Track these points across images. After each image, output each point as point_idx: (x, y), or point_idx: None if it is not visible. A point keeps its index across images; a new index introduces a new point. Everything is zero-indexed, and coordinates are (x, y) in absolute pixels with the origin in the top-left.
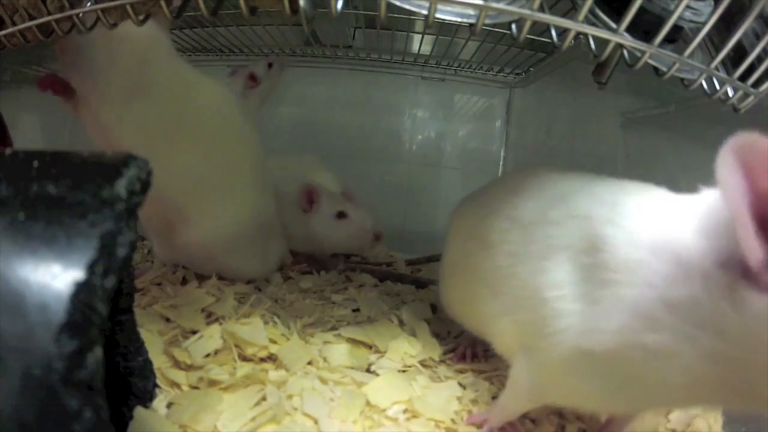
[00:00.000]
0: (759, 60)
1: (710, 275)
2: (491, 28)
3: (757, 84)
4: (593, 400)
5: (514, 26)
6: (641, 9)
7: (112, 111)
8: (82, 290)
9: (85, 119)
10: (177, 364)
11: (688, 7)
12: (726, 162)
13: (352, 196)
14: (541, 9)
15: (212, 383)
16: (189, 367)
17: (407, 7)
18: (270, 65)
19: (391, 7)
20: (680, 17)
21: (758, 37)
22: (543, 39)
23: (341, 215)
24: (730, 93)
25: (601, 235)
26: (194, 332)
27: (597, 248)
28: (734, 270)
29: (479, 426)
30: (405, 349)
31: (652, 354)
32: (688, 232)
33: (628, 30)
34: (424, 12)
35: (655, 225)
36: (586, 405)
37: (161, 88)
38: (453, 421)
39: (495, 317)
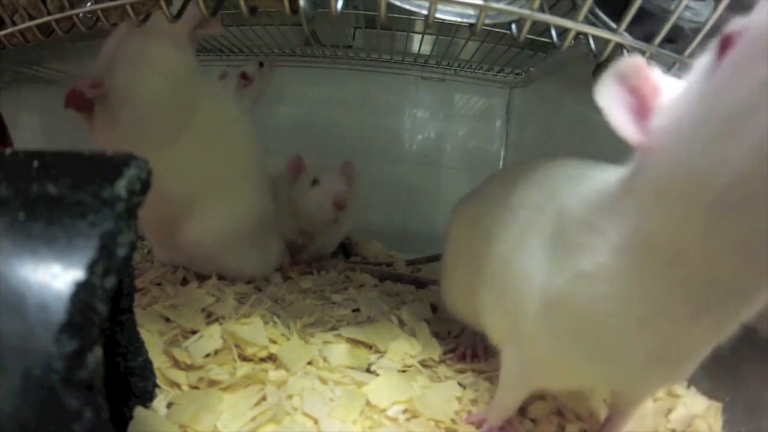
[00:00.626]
0: None
1: (621, 194)
2: (491, 28)
3: None
4: (572, 370)
5: (514, 26)
6: (641, 9)
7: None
8: (82, 290)
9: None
10: (177, 364)
11: (688, 7)
12: (604, 80)
13: (350, 172)
14: (541, 9)
15: (212, 383)
16: (189, 367)
17: (407, 7)
18: (261, 64)
19: (391, 7)
20: (680, 17)
21: None
22: (543, 39)
23: (315, 182)
24: None
25: (562, 203)
26: (194, 332)
27: (560, 216)
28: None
29: (478, 426)
30: (405, 349)
31: (590, 276)
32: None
33: (628, 30)
34: (424, 12)
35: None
36: (568, 379)
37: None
38: (453, 421)
39: (488, 308)
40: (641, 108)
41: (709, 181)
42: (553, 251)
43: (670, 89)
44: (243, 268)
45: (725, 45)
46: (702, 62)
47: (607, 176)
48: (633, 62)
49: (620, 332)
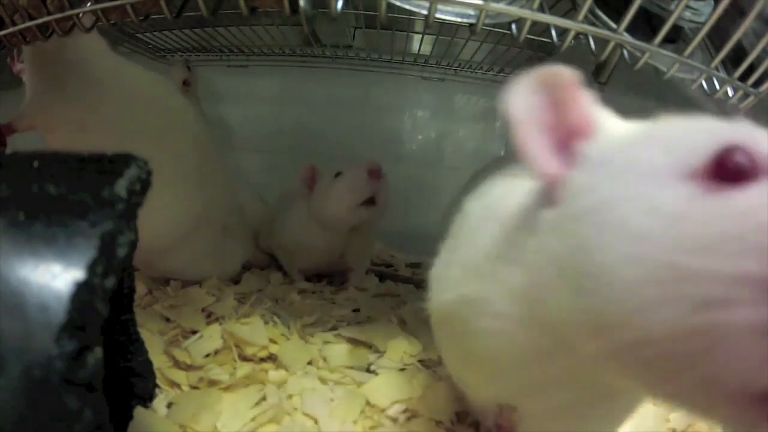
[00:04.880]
0: (759, 60)
1: (520, 217)
2: (491, 28)
3: (757, 84)
4: (466, 378)
5: (514, 26)
6: (641, 8)
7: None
8: (82, 290)
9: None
10: (177, 364)
11: (688, 7)
12: (522, 82)
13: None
14: (541, 9)
15: (212, 383)
16: (189, 367)
17: (407, 7)
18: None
19: (391, 7)
20: (680, 17)
21: (758, 37)
22: (543, 39)
23: (337, 174)
24: (730, 93)
25: (466, 208)
26: (194, 332)
27: (461, 222)
28: (535, 203)
29: (477, 426)
30: (405, 348)
31: (474, 304)
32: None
33: (628, 30)
34: (424, 12)
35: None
36: (466, 386)
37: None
38: (453, 421)
39: None
40: (561, 134)
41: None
42: (448, 259)
43: (609, 129)
44: (191, 270)
45: (726, 164)
46: (673, 143)
47: (511, 188)
48: (562, 74)
49: (496, 344)
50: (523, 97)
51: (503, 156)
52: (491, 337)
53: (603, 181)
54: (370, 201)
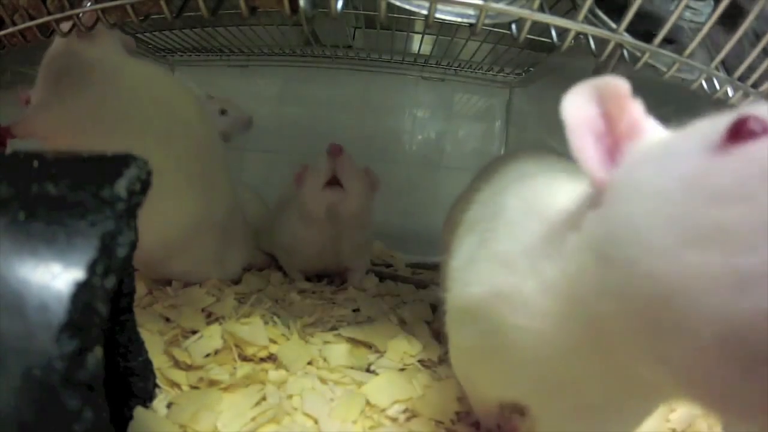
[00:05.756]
0: (759, 60)
1: (563, 223)
2: (491, 28)
3: (757, 84)
4: (479, 377)
5: (514, 26)
6: (641, 8)
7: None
8: (82, 290)
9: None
10: (177, 364)
11: (688, 7)
12: (578, 91)
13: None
14: (541, 9)
15: (212, 383)
16: (189, 367)
17: (407, 7)
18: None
19: (391, 7)
20: (680, 17)
21: (758, 37)
22: (543, 39)
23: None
24: (730, 93)
25: (502, 202)
26: (194, 332)
27: (496, 216)
28: (581, 209)
29: (477, 427)
30: (405, 348)
31: (508, 299)
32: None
33: (628, 30)
34: (424, 12)
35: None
36: (476, 385)
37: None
38: (453, 421)
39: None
40: (610, 142)
41: (653, 279)
42: (477, 248)
43: (651, 135)
44: (193, 273)
45: (740, 130)
46: (702, 130)
47: (555, 187)
48: (615, 85)
49: (526, 340)
50: (578, 106)
51: (503, 155)
52: (524, 334)
53: (643, 171)
54: (335, 182)
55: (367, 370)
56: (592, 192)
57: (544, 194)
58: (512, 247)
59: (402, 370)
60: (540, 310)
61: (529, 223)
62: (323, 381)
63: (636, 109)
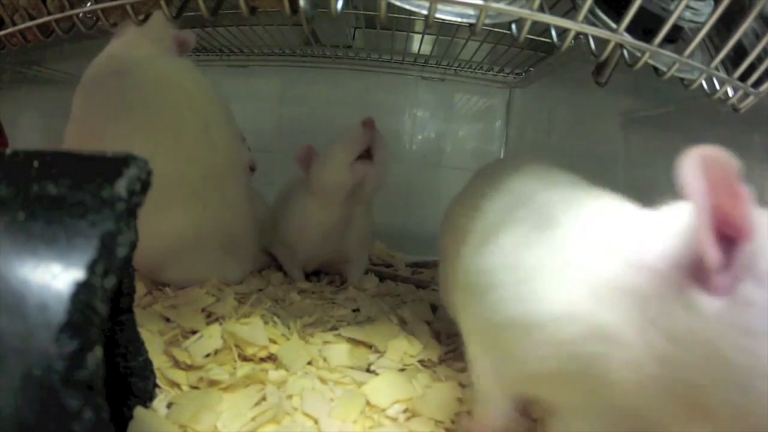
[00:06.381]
0: (759, 60)
1: (663, 274)
2: (491, 28)
3: (757, 84)
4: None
5: (514, 26)
6: (641, 9)
7: None
8: (82, 290)
9: None
10: (177, 364)
11: (688, 7)
12: (692, 168)
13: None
14: (541, 9)
15: (212, 383)
16: (189, 367)
17: (407, 7)
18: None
19: (391, 7)
20: (680, 17)
21: (758, 37)
22: (543, 39)
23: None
24: (730, 93)
25: (553, 220)
26: (194, 332)
27: (553, 239)
28: (685, 272)
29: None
30: (405, 348)
31: (604, 335)
32: (644, 237)
33: (628, 30)
34: (424, 12)
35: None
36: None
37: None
38: (453, 421)
39: (459, 308)
40: (718, 220)
41: None
42: (537, 270)
43: (761, 234)
44: (193, 281)
45: None
46: None
47: (613, 217)
48: (730, 166)
49: (612, 375)
50: (697, 179)
51: (504, 158)
52: (620, 379)
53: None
54: (367, 155)
55: (367, 370)
56: (702, 271)
57: (605, 223)
58: (596, 280)
59: (402, 370)
60: (647, 372)
61: (606, 260)
62: (323, 381)
63: (746, 197)
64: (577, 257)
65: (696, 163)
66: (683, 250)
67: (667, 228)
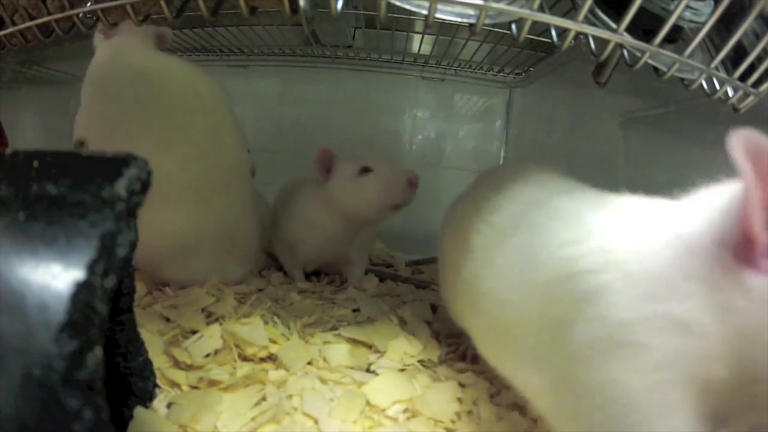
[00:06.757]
0: (759, 60)
1: (712, 253)
2: (491, 28)
3: (757, 84)
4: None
5: (514, 26)
6: (641, 9)
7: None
8: (82, 290)
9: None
10: (177, 364)
11: (688, 7)
12: (742, 150)
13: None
14: (541, 9)
15: (212, 383)
16: (189, 367)
17: (407, 7)
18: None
19: (391, 7)
20: (680, 17)
21: (758, 37)
22: (543, 39)
23: (365, 170)
24: (730, 93)
25: (587, 222)
26: (194, 332)
27: (583, 236)
28: (734, 252)
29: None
30: (405, 348)
31: (679, 325)
32: (687, 220)
33: (628, 30)
34: (424, 12)
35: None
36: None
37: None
38: (453, 421)
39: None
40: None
41: None
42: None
43: None
44: (192, 281)
45: None
46: None
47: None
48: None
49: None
50: (747, 160)
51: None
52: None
53: None
54: (413, 184)
55: (367, 370)
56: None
57: (646, 216)
58: (664, 270)
59: (402, 370)
60: (725, 360)
61: (666, 250)
62: (323, 381)
63: None
64: (636, 253)
65: (746, 145)
66: (731, 231)
67: (709, 211)
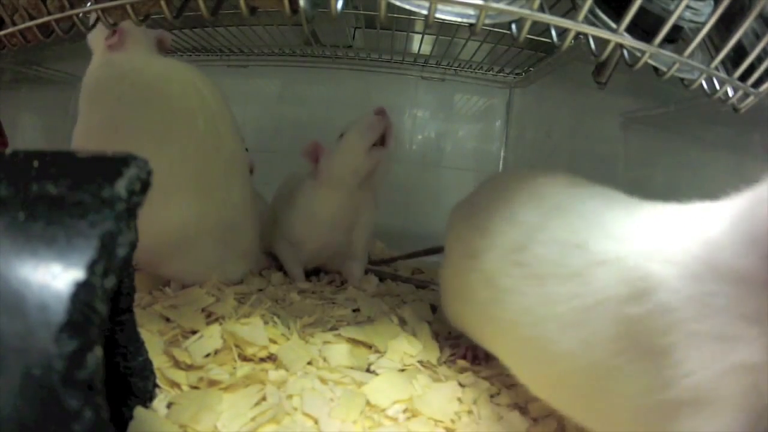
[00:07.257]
0: (759, 60)
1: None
2: (491, 28)
3: (757, 84)
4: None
5: (514, 26)
6: (641, 9)
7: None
8: (82, 290)
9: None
10: (177, 364)
11: (688, 7)
12: None
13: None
14: (541, 9)
15: (212, 383)
16: (189, 367)
17: (407, 7)
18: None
19: (391, 7)
20: (680, 17)
21: (758, 37)
22: (543, 39)
23: (341, 136)
24: (730, 93)
25: (647, 274)
26: (194, 332)
27: (645, 292)
28: None
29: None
30: (405, 348)
31: (746, 370)
32: (728, 247)
33: (628, 30)
34: (424, 12)
35: (695, 246)
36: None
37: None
38: (453, 420)
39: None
40: None
41: None
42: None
43: None
44: (191, 277)
45: None
46: None
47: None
48: None
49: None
50: None
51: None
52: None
53: None
54: (381, 142)
55: (367, 370)
56: None
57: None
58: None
59: (402, 370)
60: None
61: (717, 288)
62: (323, 381)
63: None
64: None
65: None
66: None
67: (741, 214)
